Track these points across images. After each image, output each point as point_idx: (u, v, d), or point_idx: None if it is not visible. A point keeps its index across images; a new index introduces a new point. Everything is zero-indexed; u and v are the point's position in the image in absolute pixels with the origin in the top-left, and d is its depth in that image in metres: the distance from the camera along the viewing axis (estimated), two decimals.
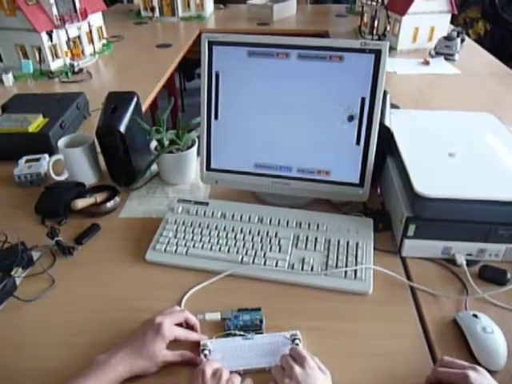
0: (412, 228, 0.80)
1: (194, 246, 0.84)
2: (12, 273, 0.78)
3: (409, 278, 0.80)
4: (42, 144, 1.15)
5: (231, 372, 0.61)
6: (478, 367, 0.58)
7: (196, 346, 0.67)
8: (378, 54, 0.82)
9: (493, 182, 0.80)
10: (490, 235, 0.79)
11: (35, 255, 0.85)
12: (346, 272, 0.78)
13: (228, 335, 0.69)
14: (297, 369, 0.58)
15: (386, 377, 0.64)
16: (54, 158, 1.03)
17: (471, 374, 0.56)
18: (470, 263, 0.80)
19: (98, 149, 1.04)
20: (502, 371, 0.63)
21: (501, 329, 0.67)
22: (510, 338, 0.66)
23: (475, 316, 0.69)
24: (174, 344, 0.65)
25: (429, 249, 0.82)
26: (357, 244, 0.83)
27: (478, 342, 0.66)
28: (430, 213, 0.78)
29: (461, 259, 0.80)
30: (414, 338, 0.69)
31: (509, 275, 0.78)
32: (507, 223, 0.78)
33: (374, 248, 0.84)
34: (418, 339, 0.69)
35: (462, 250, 0.81)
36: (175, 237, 0.86)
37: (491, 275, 0.79)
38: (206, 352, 0.65)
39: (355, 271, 0.78)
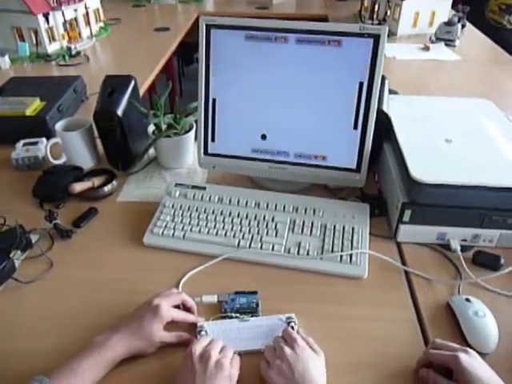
0: (408, 213, 0.81)
1: (191, 230, 0.85)
2: (11, 255, 0.79)
3: (403, 262, 0.81)
4: (39, 127, 1.15)
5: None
6: (469, 349, 0.59)
7: (193, 328, 0.68)
8: (376, 38, 0.82)
9: (488, 168, 0.80)
10: (485, 221, 0.80)
11: (33, 238, 0.86)
12: (341, 256, 0.79)
13: (224, 317, 0.70)
14: (287, 350, 0.59)
15: (378, 359, 0.65)
16: (52, 141, 1.03)
17: (462, 355, 0.57)
18: (464, 248, 0.81)
19: (96, 133, 1.04)
20: (492, 354, 0.64)
21: (492, 313, 0.68)
22: (501, 322, 0.67)
23: (468, 300, 0.70)
24: (171, 326, 0.66)
25: (424, 234, 0.83)
26: (352, 229, 0.84)
27: (469, 325, 0.67)
28: (425, 198, 0.78)
29: (455, 244, 0.81)
30: (408, 321, 0.71)
31: (502, 261, 0.79)
32: (502, 209, 0.78)
33: (370, 233, 0.85)
34: (411, 323, 0.70)
35: (456, 236, 0.82)
36: (173, 221, 0.87)
37: (485, 260, 0.80)
38: (203, 333, 0.66)
39: (351, 256, 0.79)
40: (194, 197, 0.92)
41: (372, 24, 2.15)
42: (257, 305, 0.71)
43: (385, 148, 0.95)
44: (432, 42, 1.98)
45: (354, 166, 0.91)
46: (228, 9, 2.62)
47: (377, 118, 0.87)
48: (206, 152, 0.98)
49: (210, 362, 0.57)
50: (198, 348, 0.60)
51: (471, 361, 0.57)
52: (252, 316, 0.69)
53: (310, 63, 0.86)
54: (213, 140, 0.96)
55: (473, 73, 1.72)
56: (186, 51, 3.48)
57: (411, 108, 1.02)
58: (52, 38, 1.85)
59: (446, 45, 1.95)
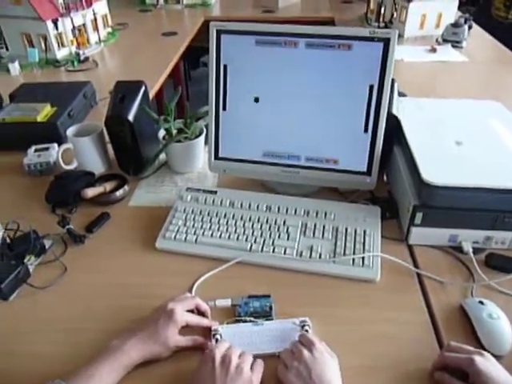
0: (419, 216, 0.81)
1: (203, 234, 0.85)
2: (25, 260, 0.80)
3: (416, 265, 0.81)
4: (50, 133, 1.16)
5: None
6: (483, 352, 0.59)
7: (207, 332, 0.68)
8: (386, 42, 0.82)
9: (499, 170, 0.80)
10: (497, 223, 0.80)
11: (47, 243, 0.86)
12: (353, 259, 0.79)
13: (238, 321, 0.70)
14: (305, 353, 0.60)
15: (393, 362, 0.65)
16: (64, 147, 1.04)
17: (477, 358, 0.57)
18: (476, 251, 0.81)
19: (107, 138, 1.05)
20: (507, 356, 0.64)
21: (506, 315, 0.68)
22: None
23: (481, 303, 0.70)
24: (186, 330, 0.67)
25: (436, 237, 0.83)
26: (364, 232, 0.84)
27: (483, 327, 0.67)
28: (437, 201, 0.78)
29: (467, 247, 0.81)
30: (421, 324, 0.71)
31: None
32: None
33: (382, 236, 0.85)
34: (425, 325, 0.70)
35: (468, 238, 0.82)
36: (185, 225, 0.88)
37: (497, 263, 0.79)
38: (218, 337, 0.66)
39: (363, 258, 0.79)
40: (205, 201, 0.92)
41: (378, 26, 2.15)
42: (270, 308, 0.72)
43: (395, 151, 0.95)
44: (439, 44, 1.97)
45: (364, 169, 0.91)
46: (234, 13, 2.63)
47: (387, 121, 0.88)
48: (216, 156, 0.98)
49: (230, 366, 0.58)
50: (218, 352, 0.60)
51: (487, 363, 0.57)
52: (266, 320, 0.70)
53: (320, 67, 0.87)
54: (223, 144, 0.97)
55: (480, 74, 1.72)
56: (192, 55, 3.49)
57: (420, 110, 1.02)
58: (61, 44, 1.87)
59: (453, 46, 1.95)
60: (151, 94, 1.54)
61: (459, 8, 2.17)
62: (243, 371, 0.58)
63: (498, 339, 0.65)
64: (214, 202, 0.92)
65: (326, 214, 0.88)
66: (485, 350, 0.62)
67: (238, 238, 0.84)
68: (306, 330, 0.67)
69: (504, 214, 0.78)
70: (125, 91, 1.01)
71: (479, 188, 0.76)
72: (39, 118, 1.17)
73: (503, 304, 0.71)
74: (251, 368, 0.60)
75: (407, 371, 0.64)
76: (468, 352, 0.60)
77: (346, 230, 0.84)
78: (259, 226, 0.86)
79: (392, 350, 0.66)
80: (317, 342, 0.62)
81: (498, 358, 0.61)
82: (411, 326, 0.70)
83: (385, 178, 1.01)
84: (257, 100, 0.92)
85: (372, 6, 2.28)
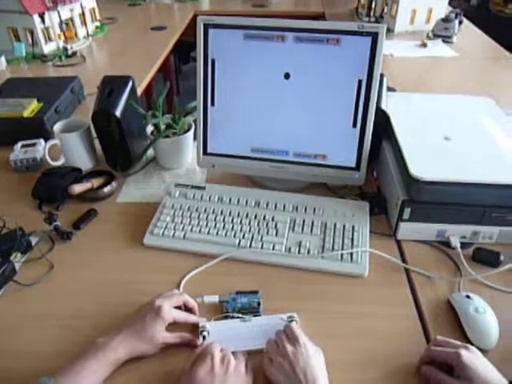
0: (407, 211, 0.81)
1: (191, 230, 0.85)
2: (11, 258, 0.79)
3: (404, 260, 0.81)
4: (37, 129, 1.14)
5: (233, 353, 0.62)
6: (470, 346, 0.59)
7: (195, 329, 0.68)
8: (374, 36, 0.82)
9: (487, 166, 0.80)
10: (484, 218, 0.80)
11: (33, 240, 0.85)
12: (342, 255, 0.79)
13: (226, 317, 0.70)
14: (289, 348, 0.60)
15: (381, 356, 0.65)
16: (50, 142, 1.03)
17: (463, 352, 0.58)
18: (463, 246, 0.82)
19: (94, 134, 1.03)
20: (493, 350, 0.65)
21: (493, 309, 0.69)
22: (502, 318, 0.68)
23: (468, 297, 0.70)
24: (173, 326, 0.66)
25: (424, 232, 0.83)
26: (353, 227, 0.84)
27: (470, 322, 0.67)
28: (425, 196, 0.78)
29: (455, 242, 0.82)
30: (409, 318, 0.71)
31: (502, 257, 0.79)
32: (501, 206, 0.79)
33: (370, 231, 0.85)
34: (412, 320, 0.71)
35: (456, 233, 0.82)
36: (173, 221, 0.87)
37: (484, 257, 0.80)
38: (205, 334, 0.66)
39: (351, 254, 0.79)
40: (193, 197, 0.92)
41: (369, 21, 2.15)
42: (258, 304, 0.71)
43: (383, 146, 0.96)
44: (429, 39, 1.98)
45: (353, 165, 0.91)
46: (224, 7, 2.61)
47: (375, 116, 0.87)
48: (205, 152, 0.98)
49: (230, 365, 0.58)
50: (217, 351, 0.60)
51: (472, 357, 0.57)
52: (254, 316, 0.69)
53: (309, 62, 0.86)
54: (212, 140, 0.96)
55: (470, 69, 1.73)
56: (183, 50, 3.46)
57: (410, 105, 1.02)
58: (48, 38, 1.84)
59: (444, 41, 1.95)
60: (140, 89, 1.53)
61: (450, 3, 2.17)
62: (241, 372, 0.59)
63: (484, 333, 0.66)
64: (202, 197, 0.91)
65: (314, 210, 0.88)
66: (471, 343, 0.63)
67: (226, 234, 0.83)
68: None
69: (491, 208, 0.79)
70: (112, 86, 0.99)
71: (467, 183, 0.77)
72: (26, 114, 1.15)
73: (490, 298, 0.71)
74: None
75: (394, 365, 0.64)
76: (454, 346, 0.60)
77: (335, 225, 0.84)
78: (248, 222, 0.86)
79: (379, 345, 0.67)
80: (301, 335, 0.62)
81: (484, 351, 0.61)
82: (399, 320, 0.70)
83: (374, 173, 1.01)
84: (245, 95, 0.91)
85: (363, 0, 2.28)
